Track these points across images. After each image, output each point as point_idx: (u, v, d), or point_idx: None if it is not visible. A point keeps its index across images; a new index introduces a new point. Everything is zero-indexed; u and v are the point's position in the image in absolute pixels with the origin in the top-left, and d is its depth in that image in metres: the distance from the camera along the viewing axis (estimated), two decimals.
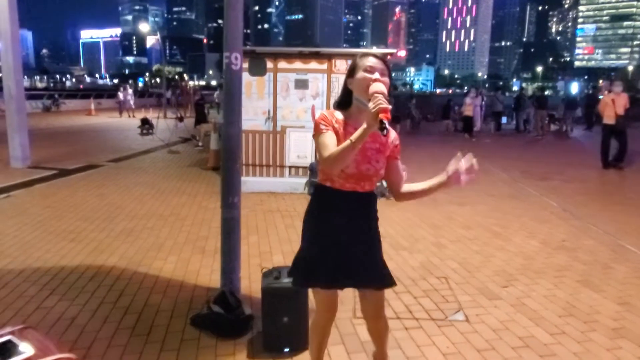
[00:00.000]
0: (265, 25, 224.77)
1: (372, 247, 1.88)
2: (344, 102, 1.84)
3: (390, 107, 1.54)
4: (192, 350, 2.49)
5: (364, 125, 1.55)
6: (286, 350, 2.46)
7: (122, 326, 2.73)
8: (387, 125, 1.52)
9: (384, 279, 1.88)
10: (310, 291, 2.08)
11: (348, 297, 3.14)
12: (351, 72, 1.80)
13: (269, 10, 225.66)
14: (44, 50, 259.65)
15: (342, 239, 1.81)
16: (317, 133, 1.74)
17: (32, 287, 3.24)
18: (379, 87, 1.64)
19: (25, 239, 4.27)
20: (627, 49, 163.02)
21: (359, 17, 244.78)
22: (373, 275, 1.86)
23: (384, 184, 7.32)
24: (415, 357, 2.46)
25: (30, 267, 3.59)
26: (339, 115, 1.81)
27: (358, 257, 1.83)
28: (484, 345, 2.59)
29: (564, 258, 4.02)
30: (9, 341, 1.26)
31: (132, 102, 21.62)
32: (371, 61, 1.74)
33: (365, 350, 2.50)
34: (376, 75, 1.71)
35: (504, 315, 2.95)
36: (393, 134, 1.84)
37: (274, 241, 4.37)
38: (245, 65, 5.92)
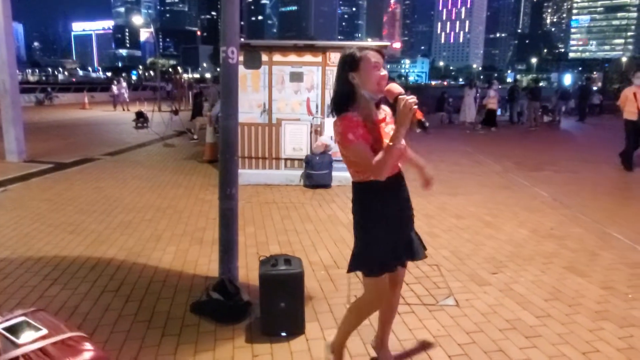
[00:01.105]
0: (259, 17, 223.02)
1: (414, 221, 2.04)
2: (347, 96, 1.83)
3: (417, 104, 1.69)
4: (193, 335, 2.59)
5: (399, 126, 1.68)
6: (283, 334, 2.56)
7: (124, 313, 2.82)
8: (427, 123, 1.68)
9: (424, 248, 2.06)
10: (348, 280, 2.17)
11: (343, 284, 3.25)
12: (353, 66, 1.78)
13: (263, 1, 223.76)
14: (35, 43, 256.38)
15: (404, 217, 1.97)
16: (348, 144, 1.76)
17: (34, 277, 3.32)
18: (398, 87, 1.75)
19: (24, 231, 4.33)
20: (621, 40, 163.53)
21: (354, 9, 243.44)
22: (422, 247, 2.04)
23: None
24: (407, 340, 2.57)
25: (31, 258, 3.67)
26: (355, 116, 1.80)
27: (411, 232, 2.00)
28: (472, 327, 2.71)
29: (552, 245, 4.14)
30: (24, 321, 1.34)
31: (126, 95, 21.48)
32: (375, 56, 1.79)
33: (359, 334, 2.60)
34: (384, 72, 1.79)
35: (493, 300, 3.06)
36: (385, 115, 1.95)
37: (270, 232, 4.46)
38: (241, 58, 5.96)
